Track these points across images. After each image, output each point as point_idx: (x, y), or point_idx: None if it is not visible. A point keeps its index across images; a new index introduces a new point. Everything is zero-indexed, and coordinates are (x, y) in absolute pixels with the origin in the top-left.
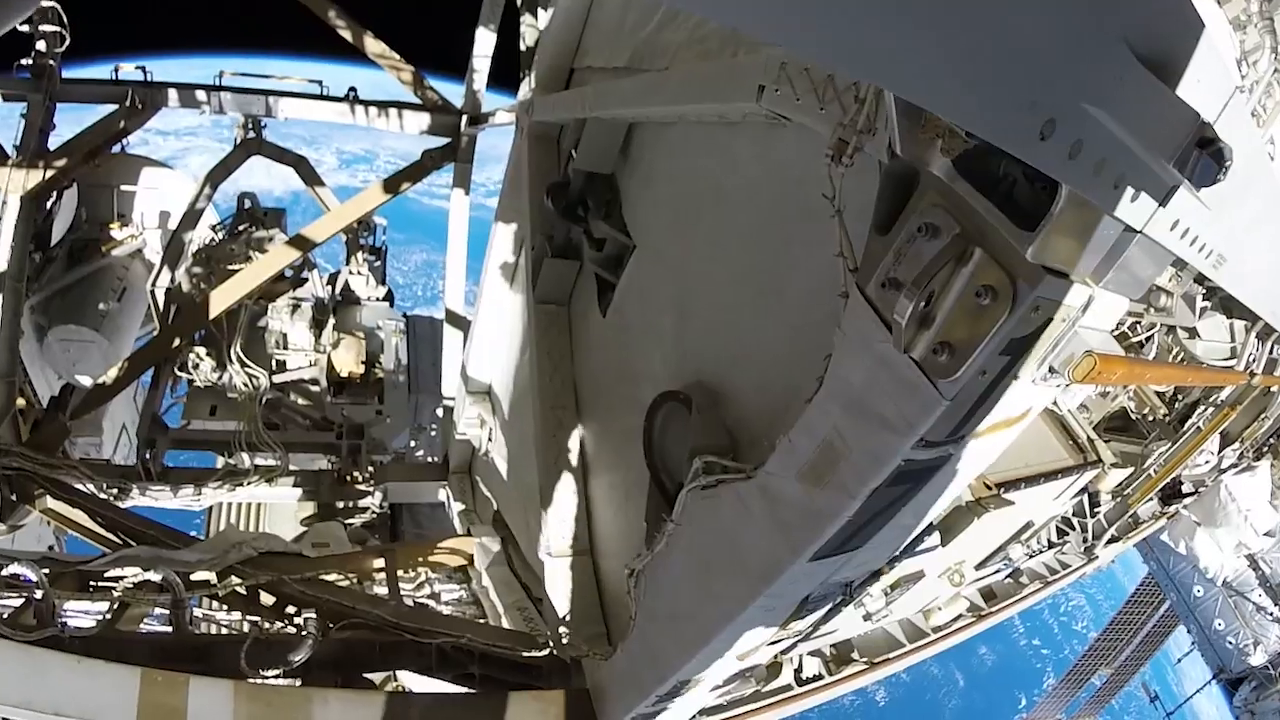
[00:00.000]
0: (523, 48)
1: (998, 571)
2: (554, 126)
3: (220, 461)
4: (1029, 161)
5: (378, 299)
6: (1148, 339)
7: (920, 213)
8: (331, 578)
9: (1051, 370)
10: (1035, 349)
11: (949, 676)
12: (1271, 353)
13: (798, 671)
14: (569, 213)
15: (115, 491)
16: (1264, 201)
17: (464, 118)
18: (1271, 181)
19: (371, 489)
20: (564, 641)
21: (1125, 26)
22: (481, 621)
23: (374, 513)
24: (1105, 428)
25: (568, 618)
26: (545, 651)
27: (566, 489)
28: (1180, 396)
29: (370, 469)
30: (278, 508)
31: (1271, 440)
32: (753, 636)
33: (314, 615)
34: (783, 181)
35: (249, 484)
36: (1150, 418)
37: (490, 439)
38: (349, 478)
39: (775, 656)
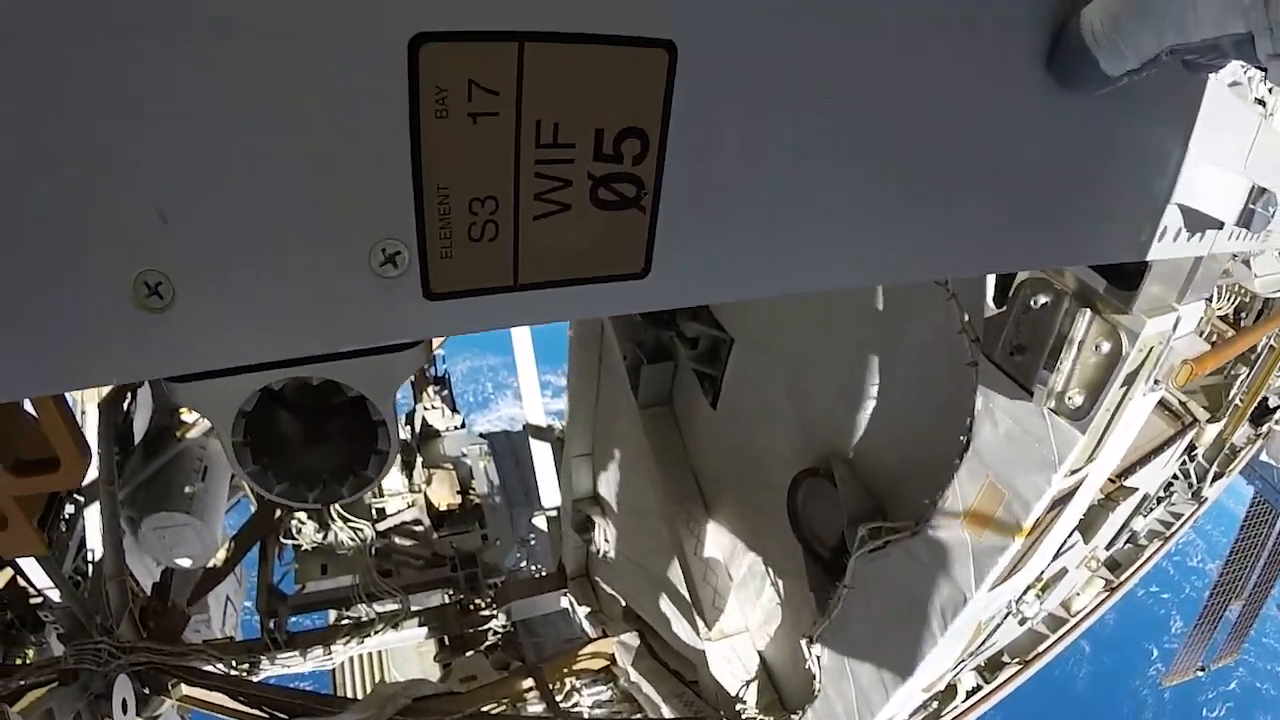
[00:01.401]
0: None
1: (1114, 539)
2: None
3: (333, 616)
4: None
5: (456, 427)
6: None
7: (1031, 285)
8: (488, 708)
9: (1156, 382)
10: (1143, 372)
11: (1074, 646)
12: None
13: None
14: (656, 318)
15: (246, 667)
16: None
17: None
18: None
19: (495, 611)
20: (742, 716)
21: None
22: (639, 716)
23: (497, 634)
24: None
25: (741, 693)
26: None
27: (712, 576)
28: (1243, 317)
29: (490, 592)
30: (399, 650)
31: None
32: (940, 667)
33: None
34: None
35: (376, 633)
36: (1217, 341)
37: (605, 540)
38: (472, 606)
39: (950, 680)
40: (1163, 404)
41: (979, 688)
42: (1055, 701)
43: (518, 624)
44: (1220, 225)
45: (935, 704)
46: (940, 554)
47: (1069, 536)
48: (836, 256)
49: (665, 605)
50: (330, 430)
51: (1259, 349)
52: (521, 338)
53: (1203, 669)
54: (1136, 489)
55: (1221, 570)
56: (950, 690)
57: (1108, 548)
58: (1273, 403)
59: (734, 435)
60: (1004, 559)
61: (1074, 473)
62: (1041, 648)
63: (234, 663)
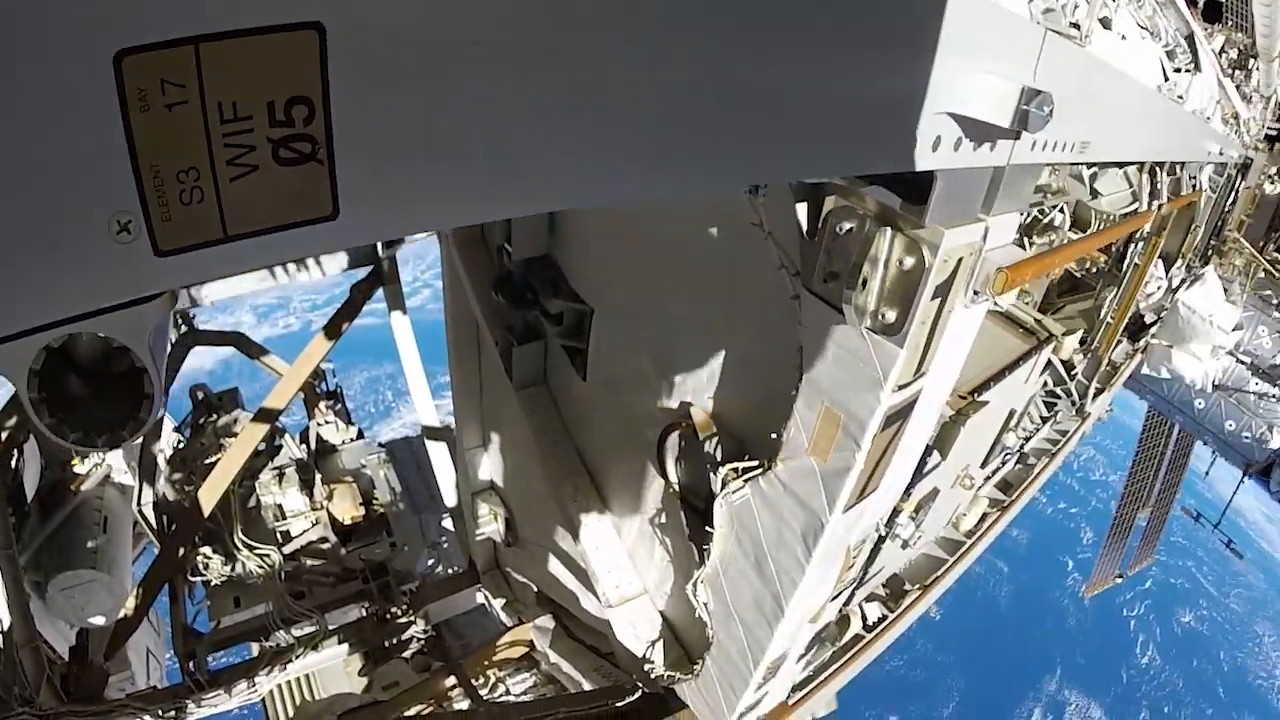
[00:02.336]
0: None
1: (1004, 463)
2: (476, 226)
3: (256, 649)
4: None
5: (352, 440)
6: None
7: (835, 214)
8: (413, 711)
9: (975, 293)
10: (957, 284)
11: (992, 568)
12: (1171, 174)
13: (864, 623)
14: (520, 300)
15: (173, 714)
16: (1104, 87)
17: (379, 243)
18: (1104, 71)
19: (413, 617)
20: (652, 676)
21: None
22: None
23: (420, 640)
24: (1058, 294)
25: (648, 654)
26: (638, 693)
27: (604, 544)
28: (1113, 244)
29: (405, 599)
30: (327, 671)
31: (1211, 244)
32: (817, 596)
33: None
34: (714, 219)
35: (297, 658)
36: (1094, 269)
37: (508, 529)
38: (388, 615)
39: (840, 611)
40: (1015, 321)
41: (884, 617)
42: (982, 622)
43: (441, 627)
44: (1015, 135)
45: (830, 642)
46: (793, 484)
47: (928, 455)
48: (528, 181)
49: (571, 582)
50: (111, 383)
51: (1124, 269)
52: (405, 339)
53: (1120, 576)
54: (987, 402)
55: (1126, 482)
56: (844, 620)
57: (984, 465)
58: (1149, 319)
59: (606, 403)
60: (850, 480)
61: (903, 388)
62: (941, 571)
63: (160, 712)
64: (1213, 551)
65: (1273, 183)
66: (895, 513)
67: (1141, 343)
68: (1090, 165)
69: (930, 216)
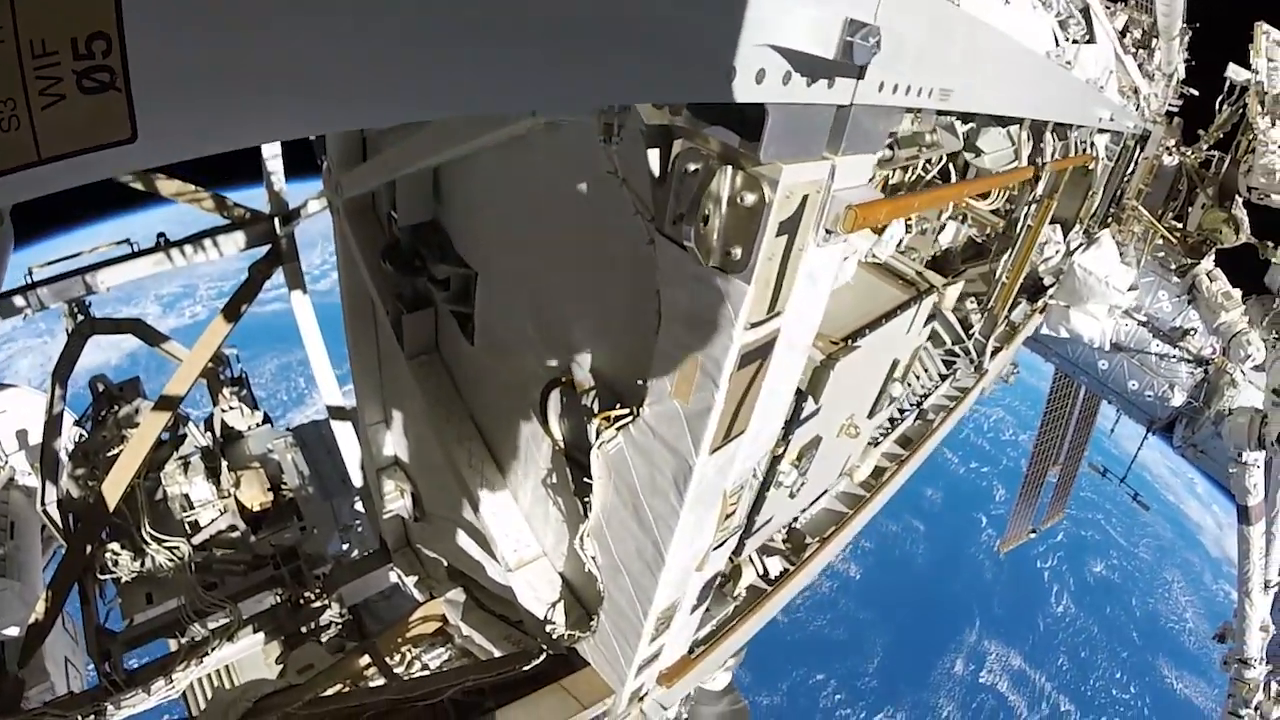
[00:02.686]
0: (311, 136)
1: (902, 417)
2: (366, 197)
3: (174, 645)
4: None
5: (257, 425)
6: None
7: (682, 157)
8: (329, 693)
9: (828, 231)
10: (805, 221)
11: (908, 528)
12: (1062, 138)
13: (764, 576)
14: (408, 267)
15: (93, 718)
16: (967, 36)
17: (276, 220)
18: (967, 21)
19: (328, 601)
20: (554, 637)
21: None
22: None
23: (337, 624)
24: (962, 260)
25: (549, 615)
26: (542, 656)
27: (501, 509)
28: (1012, 209)
29: (318, 583)
30: (248, 661)
31: (1111, 210)
32: (699, 542)
33: None
34: (578, 172)
35: (213, 650)
36: (991, 234)
37: (415, 504)
38: (302, 601)
39: (731, 560)
40: (895, 273)
41: (786, 571)
42: (901, 580)
43: (361, 611)
44: (857, 73)
45: (731, 597)
46: (660, 428)
47: (802, 401)
48: (318, 99)
49: (476, 552)
50: None
51: (1018, 231)
52: (306, 318)
53: (1034, 531)
54: (858, 347)
55: (1036, 441)
56: (736, 571)
57: (871, 415)
58: (1048, 282)
59: (495, 367)
60: (713, 420)
61: (757, 325)
62: (840, 523)
63: (80, 717)
64: (1120, 505)
65: (1170, 154)
66: (776, 460)
67: (1040, 303)
68: (964, 118)
69: (766, 152)
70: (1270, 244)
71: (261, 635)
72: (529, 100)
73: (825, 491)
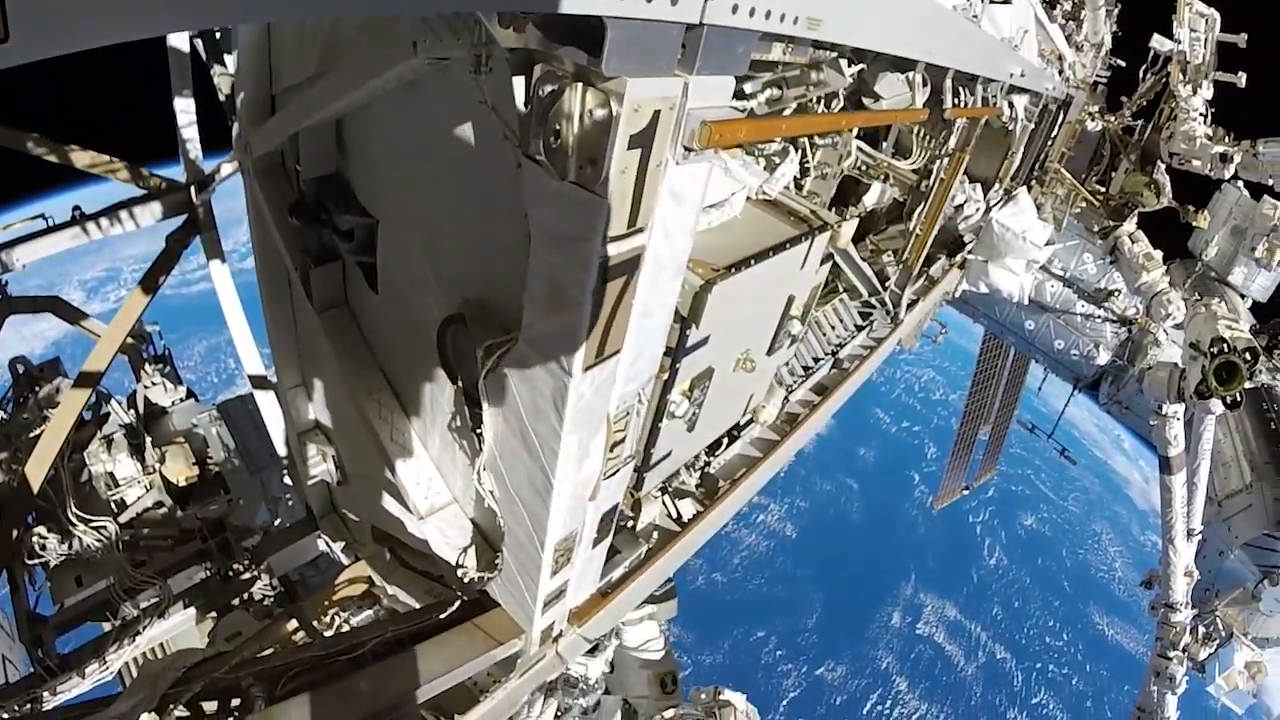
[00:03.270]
0: (222, 98)
1: (817, 366)
2: (275, 155)
3: (107, 627)
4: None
5: (181, 400)
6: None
7: (541, 80)
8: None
9: (687, 149)
10: (660, 137)
11: (842, 486)
12: (971, 93)
13: (678, 519)
14: (314, 221)
15: (28, 707)
16: None
17: (191, 188)
18: None
19: (257, 572)
20: (466, 581)
21: None
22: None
23: (270, 597)
24: (887, 221)
25: (460, 560)
26: (457, 604)
27: (411, 458)
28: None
29: (247, 554)
30: (182, 638)
31: (1033, 173)
32: (587, 468)
33: (255, 683)
34: (462, 111)
35: (144, 629)
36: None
37: (337, 467)
38: (231, 573)
39: (631, 495)
40: (788, 210)
41: (699, 514)
42: (836, 538)
43: (292, 582)
44: None
45: (643, 539)
46: (536, 350)
47: (687, 329)
48: None
49: (396, 509)
50: None
51: (931, 185)
52: (225, 286)
53: (967, 488)
54: (738, 274)
55: (967, 401)
56: (636, 506)
57: (770, 353)
58: (968, 239)
59: (398, 313)
60: (582, 336)
61: (617, 239)
62: (750, 466)
63: (15, 708)
64: (1049, 460)
65: (1093, 120)
66: (666, 388)
67: (959, 258)
68: (855, 59)
69: (609, 65)
70: (1191, 208)
71: (193, 610)
72: None
73: (736, 436)
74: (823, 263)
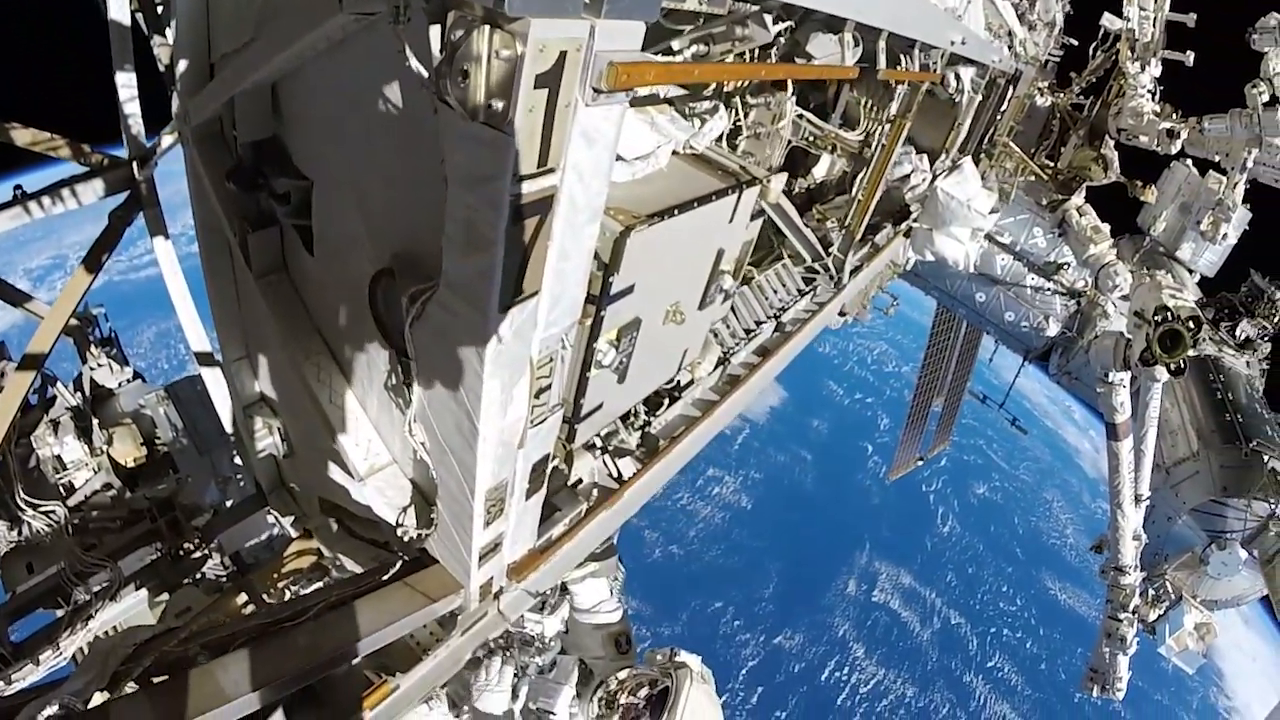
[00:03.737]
0: (162, 69)
1: (760, 329)
2: (214, 123)
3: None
4: None
5: (128, 381)
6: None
7: (454, 26)
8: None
9: (596, 90)
10: (567, 78)
11: (795, 457)
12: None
13: (619, 479)
14: (251, 185)
15: None
16: None
17: (134, 163)
18: None
19: (208, 551)
20: (406, 540)
21: None
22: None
23: (222, 576)
24: (836, 191)
25: (400, 519)
26: (399, 563)
27: (350, 421)
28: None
29: (197, 533)
30: (135, 619)
31: (983, 147)
32: (512, 413)
33: (202, 652)
34: (387, 65)
35: (97, 611)
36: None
37: (283, 439)
38: (181, 552)
39: (564, 446)
40: (718, 165)
41: (639, 472)
42: (791, 508)
43: (249, 565)
44: None
45: (584, 498)
46: (456, 292)
47: (609, 276)
48: None
49: (340, 476)
50: None
51: (872, 150)
52: (169, 263)
53: (921, 459)
54: (660, 222)
55: (920, 373)
56: (568, 458)
57: (702, 307)
58: (914, 209)
59: (334, 274)
60: (496, 274)
61: (528, 178)
62: (690, 424)
63: None
64: (1001, 430)
65: (1043, 95)
66: (592, 337)
67: (904, 226)
68: (783, 15)
69: (514, 8)
70: (1139, 183)
71: (145, 592)
72: None
73: (678, 397)
74: (754, 218)
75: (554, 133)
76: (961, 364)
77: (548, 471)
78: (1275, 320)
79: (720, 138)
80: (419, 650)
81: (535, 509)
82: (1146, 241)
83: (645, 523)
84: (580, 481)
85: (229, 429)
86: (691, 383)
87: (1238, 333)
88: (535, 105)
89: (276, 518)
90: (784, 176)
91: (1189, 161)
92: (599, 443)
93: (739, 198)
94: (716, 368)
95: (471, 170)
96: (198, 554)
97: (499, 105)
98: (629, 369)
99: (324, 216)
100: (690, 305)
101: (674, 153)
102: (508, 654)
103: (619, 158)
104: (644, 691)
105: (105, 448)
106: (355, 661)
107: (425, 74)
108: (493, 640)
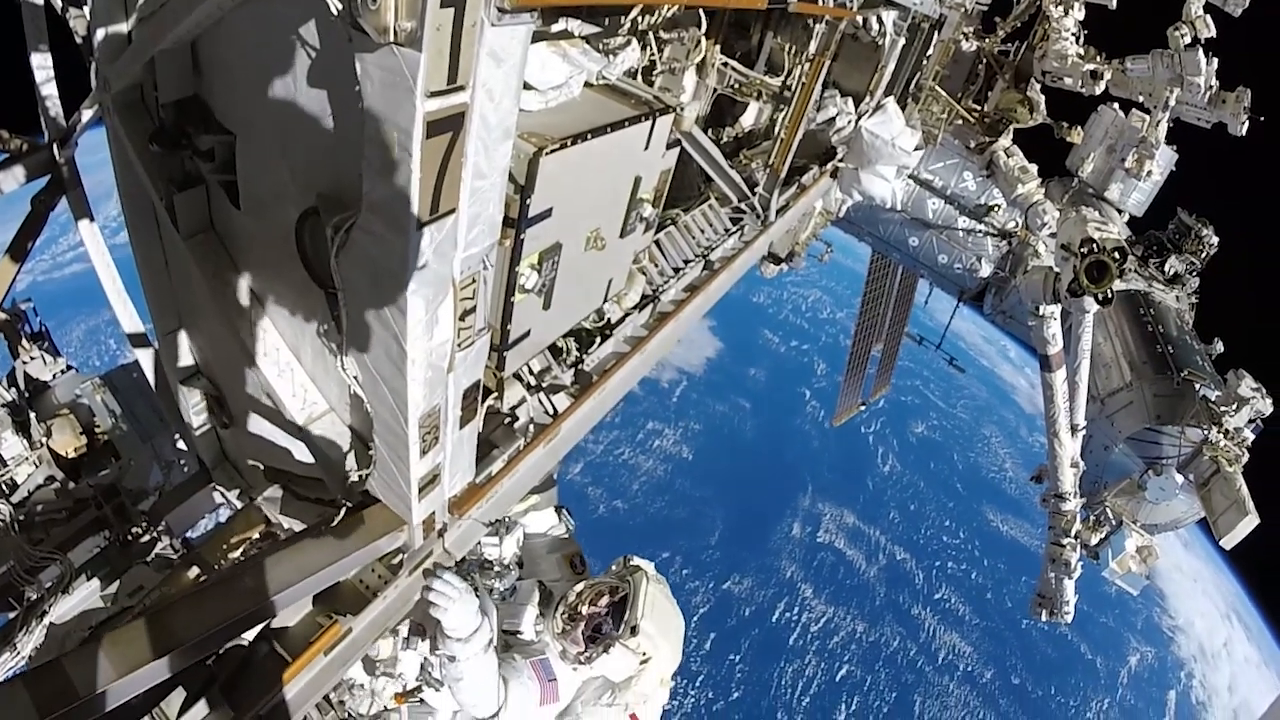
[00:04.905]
0: (80, 40)
1: (688, 267)
2: (135, 90)
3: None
4: None
5: (62, 372)
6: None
7: None
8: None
9: (500, 10)
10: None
11: (734, 406)
12: None
13: (554, 414)
14: (175, 145)
15: None
16: None
17: (54, 145)
18: None
19: (156, 534)
20: (347, 485)
21: None
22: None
23: (174, 558)
24: (763, 138)
25: (344, 463)
26: (343, 510)
27: (286, 373)
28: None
29: (144, 517)
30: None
31: (909, 91)
32: (438, 335)
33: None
34: (303, 4)
35: (50, 606)
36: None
37: (223, 409)
38: (130, 536)
39: (495, 375)
40: (630, 95)
41: (572, 406)
42: (732, 457)
43: (194, 540)
44: None
45: (520, 434)
46: (376, 215)
47: (525, 198)
48: None
49: (282, 438)
50: None
51: (793, 90)
52: (95, 245)
53: (863, 404)
54: (572, 146)
55: (858, 320)
56: (499, 385)
57: (624, 235)
58: (840, 150)
59: (262, 225)
60: (414, 190)
61: (439, 94)
62: (620, 360)
63: None
64: (937, 371)
65: (968, 40)
66: (514, 260)
67: (830, 166)
68: None
69: None
70: (1065, 124)
71: (97, 581)
72: None
73: (609, 334)
74: (670, 147)
75: (462, 51)
76: (898, 309)
77: (479, 399)
78: (1202, 256)
79: (636, 74)
80: (369, 594)
81: (471, 439)
82: (1075, 183)
83: (588, 479)
84: (516, 419)
85: (168, 410)
86: (624, 319)
87: (1167, 268)
88: (442, 24)
89: (222, 493)
90: (697, 104)
91: (1115, 105)
92: (533, 381)
93: (653, 125)
94: (646, 305)
95: (385, 91)
96: (146, 537)
97: (408, 25)
98: (554, 296)
99: (249, 168)
100: (611, 232)
101: (587, 84)
102: (473, 584)
103: (532, 87)
104: (604, 600)
105: (45, 440)
106: (308, 610)
107: (338, 3)
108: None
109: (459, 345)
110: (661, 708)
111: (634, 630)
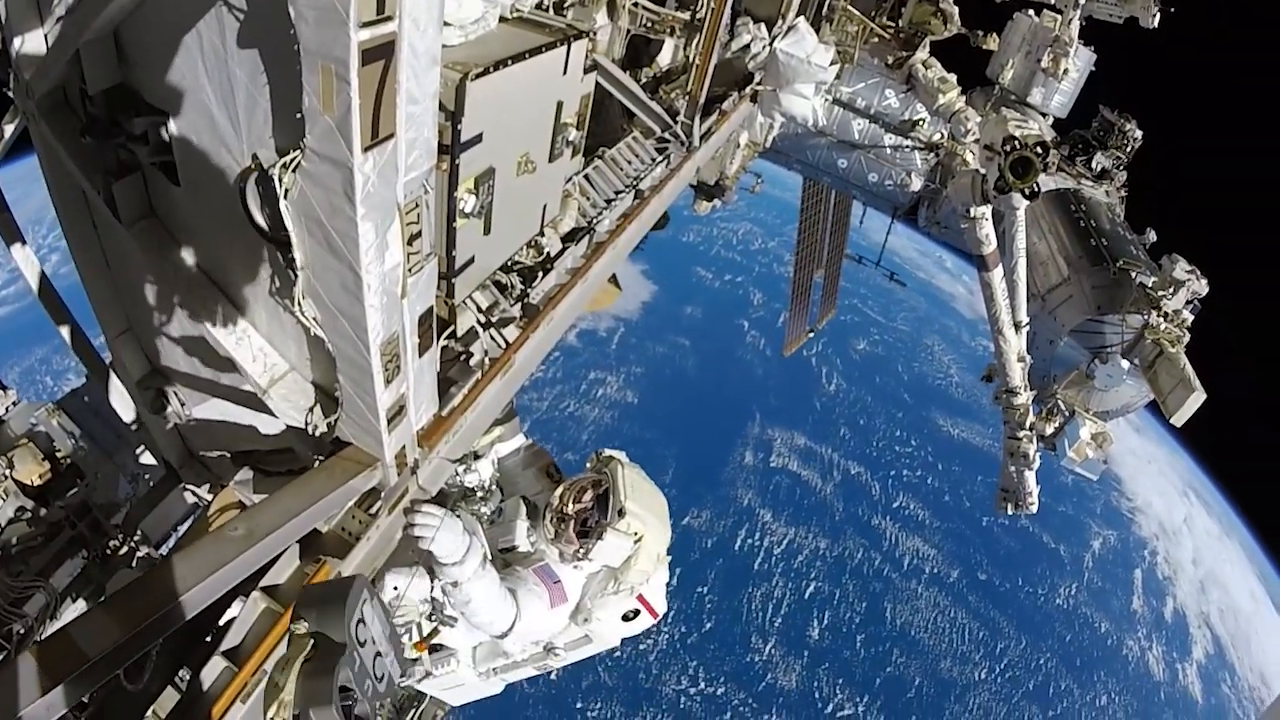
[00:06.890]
0: None
1: (619, 197)
2: (58, 91)
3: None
4: None
5: (14, 404)
6: None
7: None
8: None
9: None
10: None
11: (674, 346)
12: None
13: (507, 345)
14: (108, 134)
15: None
16: None
17: None
18: None
19: (134, 543)
20: (317, 437)
21: None
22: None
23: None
24: (681, 73)
25: (308, 419)
26: (315, 463)
27: (244, 340)
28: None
29: (118, 529)
30: None
31: (821, 11)
32: (390, 260)
33: None
34: None
35: (40, 635)
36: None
37: (181, 404)
38: (109, 550)
39: (445, 303)
40: (544, 26)
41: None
42: (677, 394)
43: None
44: None
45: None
46: (321, 147)
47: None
48: None
49: (246, 415)
50: None
51: (704, 18)
52: (26, 259)
53: (811, 331)
54: (494, 71)
55: (796, 249)
56: (451, 312)
57: (553, 159)
58: (758, 76)
59: (203, 198)
60: (354, 117)
61: (370, 24)
62: (564, 289)
63: None
64: (875, 288)
65: None
66: (452, 185)
67: (749, 90)
68: None
69: None
70: (980, 32)
71: (82, 602)
72: None
73: (550, 268)
74: (588, 72)
75: None
76: (836, 233)
77: (434, 327)
78: (1128, 150)
79: (548, 8)
80: (352, 540)
81: (430, 368)
82: (997, 90)
83: (536, 436)
84: (471, 355)
85: (127, 419)
86: (563, 252)
87: (1094, 165)
88: None
89: (194, 491)
90: (609, 27)
91: (1030, 11)
92: (483, 318)
93: (568, 50)
94: (583, 237)
95: (320, 29)
96: (124, 548)
97: None
98: (493, 222)
99: (184, 143)
100: (540, 156)
101: (503, 19)
102: (455, 511)
103: (451, 25)
104: (588, 495)
105: (7, 473)
106: (295, 566)
107: None
108: None
109: (409, 270)
110: (664, 585)
111: (621, 513)
